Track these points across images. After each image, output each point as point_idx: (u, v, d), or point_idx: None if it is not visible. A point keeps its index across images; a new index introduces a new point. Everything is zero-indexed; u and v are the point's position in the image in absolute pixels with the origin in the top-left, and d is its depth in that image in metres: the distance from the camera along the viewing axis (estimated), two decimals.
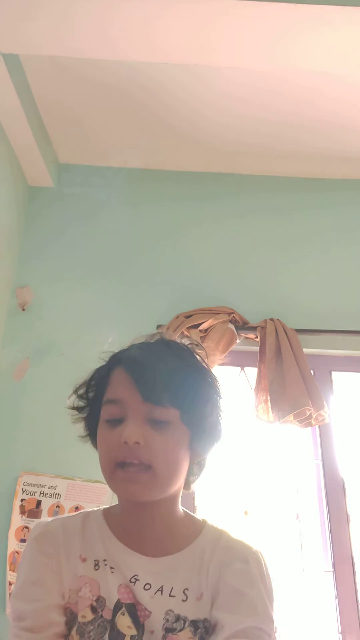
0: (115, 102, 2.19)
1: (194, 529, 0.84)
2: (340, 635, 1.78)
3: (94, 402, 0.85)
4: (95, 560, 0.79)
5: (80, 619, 0.76)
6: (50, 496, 1.89)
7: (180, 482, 0.81)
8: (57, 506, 1.88)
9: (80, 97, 2.17)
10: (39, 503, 1.89)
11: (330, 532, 1.93)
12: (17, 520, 1.87)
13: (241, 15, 1.59)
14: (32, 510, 1.88)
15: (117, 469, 0.75)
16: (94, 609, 0.76)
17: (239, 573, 0.77)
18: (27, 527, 1.85)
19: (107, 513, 0.86)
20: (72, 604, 0.77)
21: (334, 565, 1.88)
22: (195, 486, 0.89)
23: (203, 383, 0.83)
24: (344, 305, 2.24)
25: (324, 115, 2.21)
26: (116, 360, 0.83)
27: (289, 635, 1.82)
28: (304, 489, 2.05)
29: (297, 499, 2.03)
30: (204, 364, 0.86)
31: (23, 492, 1.90)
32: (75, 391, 0.87)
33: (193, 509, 1.95)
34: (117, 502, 0.86)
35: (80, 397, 0.86)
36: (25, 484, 1.91)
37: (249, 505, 2.01)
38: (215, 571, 0.78)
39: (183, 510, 0.87)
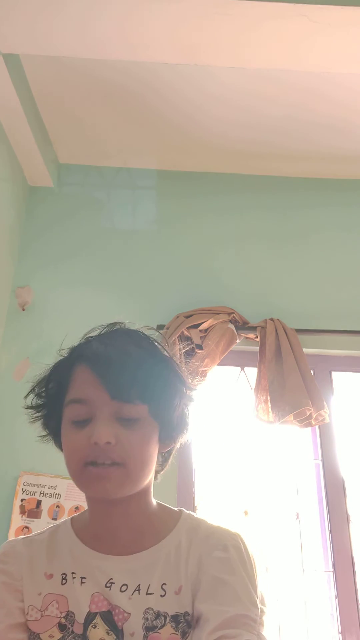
0: (115, 102, 2.20)
1: (169, 520, 0.81)
2: (340, 635, 1.78)
3: (54, 400, 0.80)
4: (62, 575, 0.77)
5: (46, 639, 0.74)
6: (50, 496, 1.89)
7: (150, 475, 0.79)
8: (57, 506, 1.88)
9: (80, 97, 2.17)
10: (39, 503, 1.89)
11: (330, 532, 1.93)
12: (17, 520, 1.87)
13: (241, 15, 1.59)
14: (32, 510, 1.88)
15: (86, 467, 0.73)
16: (62, 627, 0.74)
17: (219, 562, 0.75)
18: (27, 527, 1.85)
19: (75, 522, 0.84)
20: (31, 621, 0.76)
21: (334, 565, 1.88)
22: (161, 476, 0.85)
23: (169, 374, 0.80)
24: (344, 305, 2.24)
25: (324, 115, 2.21)
26: (78, 356, 0.79)
27: (289, 636, 1.82)
28: (304, 489, 2.05)
29: (297, 499, 2.03)
30: (166, 352, 0.83)
31: (23, 492, 1.90)
32: (33, 389, 0.83)
33: (193, 509, 1.95)
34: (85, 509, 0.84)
35: (38, 395, 0.82)
36: (25, 484, 1.91)
37: (249, 505, 2.01)
38: (194, 562, 0.76)
39: (157, 502, 0.84)
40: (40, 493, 1.90)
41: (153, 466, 0.79)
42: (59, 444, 0.82)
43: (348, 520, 1.94)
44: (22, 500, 1.89)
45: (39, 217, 2.44)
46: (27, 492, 1.90)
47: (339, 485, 1.99)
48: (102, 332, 0.84)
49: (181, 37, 1.68)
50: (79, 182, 2.53)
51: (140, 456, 0.75)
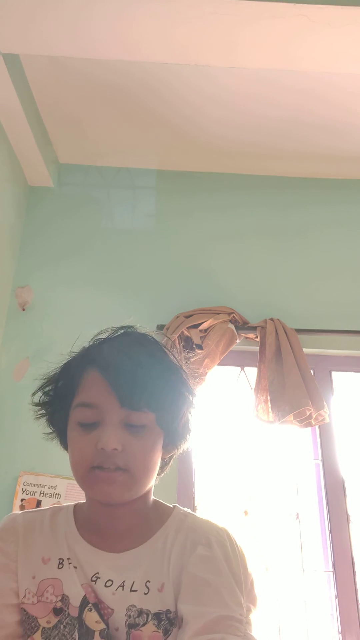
0: (115, 102, 2.20)
1: (161, 518, 0.82)
2: (340, 635, 1.78)
3: (62, 400, 0.81)
4: (59, 559, 0.78)
5: (44, 625, 0.75)
6: (50, 496, 1.89)
7: (153, 480, 0.80)
8: None
9: (80, 97, 2.17)
10: (39, 503, 1.89)
11: (330, 532, 1.93)
12: None
13: (241, 15, 1.59)
14: None
15: (92, 471, 0.74)
16: (57, 611, 0.75)
17: (202, 560, 0.74)
18: None
19: (77, 510, 0.85)
20: (27, 604, 0.76)
21: (334, 565, 1.88)
22: (160, 478, 0.86)
23: (178, 383, 0.81)
24: (344, 305, 2.24)
25: (324, 115, 2.21)
26: (89, 360, 0.79)
27: (289, 636, 1.82)
28: (304, 489, 2.05)
29: (297, 499, 2.02)
30: (176, 360, 0.84)
31: (23, 492, 1.90)
32: (41, 388, 0.83)
33: (193, 509, 1.95)
34: None
35: (46, 394, 0.83)
36: (25, 484, 1.91)
37: (249, 505, 2.01)
38: (177, 559, 0.76)
39: (153, 499, 0.84)
40: (40, 493, 1.90)
41: (156, 472, 0.80)
42: (64, 443, 0.83)
43: (348, 520, 1.94)
44: (22, 500, 1.89)
45: (39, 217, 2.44)
46: (27, 492, 1.90)
47: (339, 485, 1.99)
48: (114, 336, 0.84)
49: (177, 37, 1.67)
50: (79, 182, 2.53)
51: (145, 463, 0.75)
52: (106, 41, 1.71)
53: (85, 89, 2.13)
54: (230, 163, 2.50)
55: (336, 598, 1.84)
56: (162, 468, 0.84)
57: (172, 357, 0.83)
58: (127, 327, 0.85)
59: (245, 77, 2.03)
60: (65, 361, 0.84)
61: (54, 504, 1.89)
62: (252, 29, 1.63)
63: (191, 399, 0.83)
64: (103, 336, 0.85)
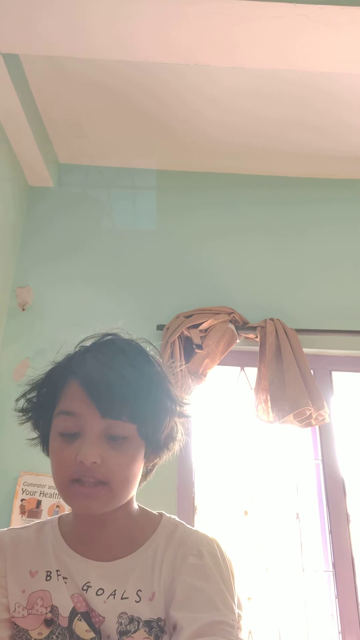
0: (115, 102, 2.19)
1: (149, 526, 0.82)
2: (340, 635, 1.78)
3: (45, 407, 0.81)
4: (47, 572, 0.79)
5: (36, 637, 0.76)
6: (50, 496, 1.89)
7: (134, 489, 0.80)
8: (57, 506, 1.88)
9: (80, 97, 2.17)
10: (39, 503, 1.89)
11: (330, 532, 1.93)
12: (17, 520, 1.86)
13: (240, 15, 1.59)
14: (32, 510, 1.88)
15: (72, 484, 0.74)
16: (48, 622, 0.76)
17: (193, 568, 0.75)
18: None
19: (62, 521, 0.85)
20: (18, 618, 0.77)
21: (334, 565, 1.88)
22: (141, 486, 0.86)
23: (160, 394, 0.80)
24: (344, 305, 2.24)
25: (323, 115, 2.21)
26: (71, 371, 0.79)
27: (289, 636, 1.82)
28: (304, 489, 2.05)
29: (297, 499, 2.02)
30: (160, 369, 0.83)
31: (23, 492, 1.90)
32: (24, 394, 0.84)
33: (193, 509, 1.95)
34: None
35: (29, 401, 0.83)
36: (25, 484, 1.91)
37: (249, 505, 2.01)
38: (168, 568, 0.76)
39: (138, 506, 0.85)
40: (40, 493, 1.90)
41: (137, 482, 0.80)
42: (46, 450, 0.84)
43: (348, 520, 1.94)
44: (22, 500, 1.89)
45: (39, 217, 2.44)
46: (27, 492, 1.90)
47: (339, 485, 1.99)
48: (97, 343, 0.84)
49: (177, 36, 1.67)
50: (79, 182, 2.53)
51: (125, 475, 0.76)
52: (106, 41, 1.71)
53: (85, 89, 2.13)
54: (231, 163, 2.50)
55: (336, 598, 1.84)
56: (144, 476, 0.84)
57: (156, 367, 0.83)
58: (112, 334, 0.84)
59: (245, 77, 2.03)
60: (49, 369, 0.84)
61: (54, 504, 1.89)
62: (252, 28, 1.63)
63: (175, 408, 0.82)
64: (88, 343, 0.84)
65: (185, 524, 0.84)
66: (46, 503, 1.89)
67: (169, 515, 0.85)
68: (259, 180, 2.53)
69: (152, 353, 0.84)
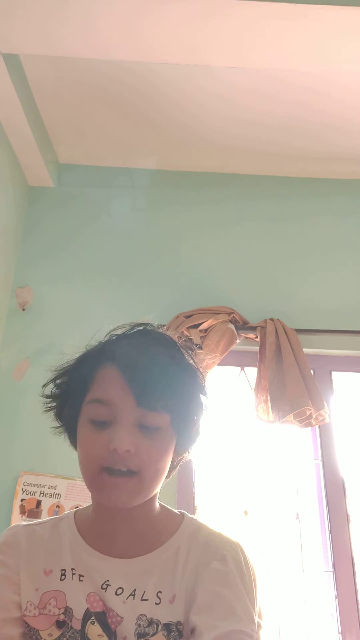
0: (115, 103, 2.19)
1: (170, 525, 0.80)
2: (340, 635, 1.78)
3: (74, 394, 0.78)
4: (62, 570, 0.77)
5: (46, 637, 0.74)
6: (50, 496, 1.89)
7: (161, 484, 0.78)
8: (57, 506, 1.88)
9: (80, 97, 2.17)
10: (39, 503, 1.89)
11: (330, 532, 1.93)
12: (17, 520, 1.86)
13: (239, 15, 1.59)
14: (32, 510, 1.88)
15: (102, 473, 0.72)
16: (60, 624, 0.74)
17: (217, 574, 0.73)
18: None
19: (78, 517, 0.83)
20: (29, 617, 0.76)
21: (334, 565, 1.88)
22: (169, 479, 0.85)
23: (195, 386, 0.79)
24: (344, 305, 2.24)
25: (323, 115, 2.21)
26: (107, 356, 0.76)
27: (289, 636, 1.82)
28: (304, 489, 2.05)
29: (297, 499, 2.02)
30: (192, 362, 0.81)
31: (23, 492, 1.90)
32: (53, 380, 0.81)
33: (193, 509, 1.95)
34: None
35: (58, 387, 0.80)
36: (25, 484, 1.91)
37: (249, 505, 2.01)
38: (191, 572, 0.74)
39: (160, 504, 0.83)
40: (40, 493, 1.90)
41: (164, 476, 0.78)
42: (72, 439, 0.81)
43: (348, 520, 1.94)
44: (22, 500, 1.89)
45: (39, 217, 2.44)
46: (27, 492, 1.90)
47: (339, 485, 1.99)
48: (131, 332, 0.81)
49: (182, 37, 1.68)
50: (79, 182, 2.53)
51: (156, 467, 0.74)
52: (114, 42, 1.71)
53: (85, 89, 2.13)
54: (231, 163, 2.50)
55: (336, 598, 1.84)
56: (169, 471, 0.82)
57: (189, 359, 0.81)
58: (145, 324, 0.83)
59: (245, 77, 2.03)
60: (80, 354, 0.81)
61: (54, 504, 1.89)
62: (252, 28, 1.63)
63: (204, 401, 0.81)
64: (119, 332, 0.82)
65: (208, 526, 0.82)
66: (46, 503, 1.89)
67: (190, 515, 0.84)
68: (260, 180, 2.53)
69: (183, 345, 0.83)
